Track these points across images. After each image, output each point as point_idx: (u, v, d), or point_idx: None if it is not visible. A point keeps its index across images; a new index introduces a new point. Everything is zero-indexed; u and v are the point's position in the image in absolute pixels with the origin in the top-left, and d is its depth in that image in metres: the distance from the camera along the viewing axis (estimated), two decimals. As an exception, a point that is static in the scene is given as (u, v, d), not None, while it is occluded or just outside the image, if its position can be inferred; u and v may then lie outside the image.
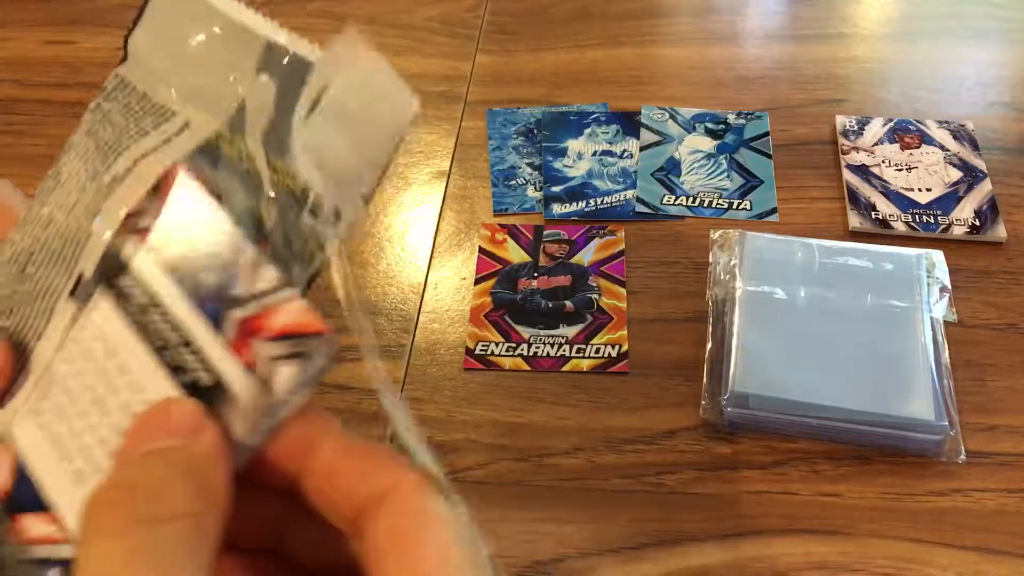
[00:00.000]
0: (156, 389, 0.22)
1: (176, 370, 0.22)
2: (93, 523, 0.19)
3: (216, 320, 0.22)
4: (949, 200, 0.62)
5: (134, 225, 0.24)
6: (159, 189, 0.24)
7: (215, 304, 0.22)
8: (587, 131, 0.69)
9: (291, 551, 0.24)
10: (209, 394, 0.22)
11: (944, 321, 0.53)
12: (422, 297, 0.59)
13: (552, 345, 0.55)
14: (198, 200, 0.23)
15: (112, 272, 0.24)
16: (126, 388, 0.23)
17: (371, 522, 0.20)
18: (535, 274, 0.59)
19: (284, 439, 0.22)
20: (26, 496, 0.23)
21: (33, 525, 0.22)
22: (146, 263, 0.23)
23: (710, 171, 0.66)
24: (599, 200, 0.64)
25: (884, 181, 0.63)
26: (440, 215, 0.64)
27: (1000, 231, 0.60)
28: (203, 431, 0.21)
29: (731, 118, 0.69)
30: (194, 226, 0.23)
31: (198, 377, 0.22)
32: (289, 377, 0.21)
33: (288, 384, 0.21)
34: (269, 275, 0.22)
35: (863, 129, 0.67)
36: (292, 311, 0.21)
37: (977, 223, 0.60)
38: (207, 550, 0.19)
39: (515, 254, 0.61)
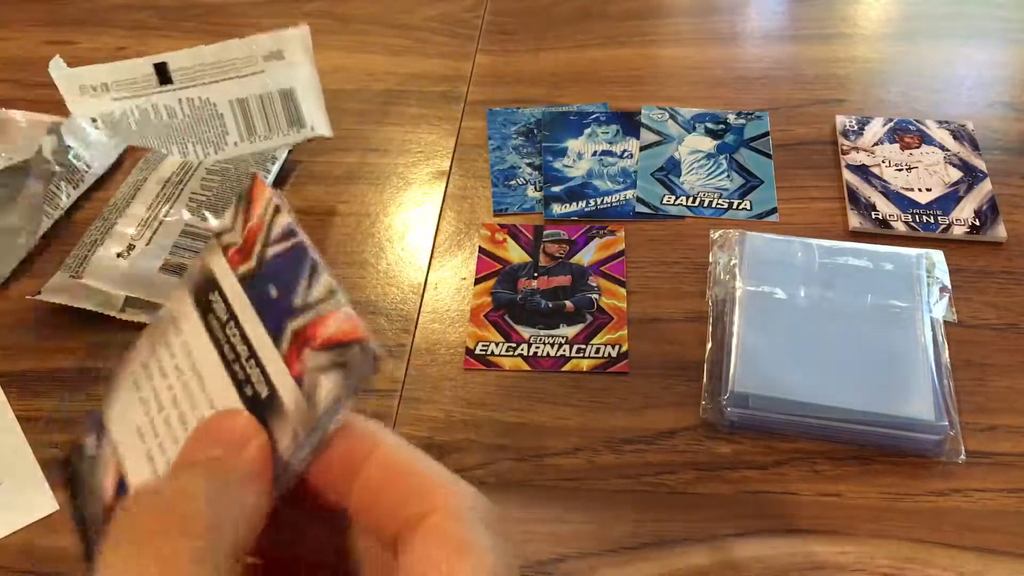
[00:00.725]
0: (224, 403, 0.22)
1: (242, 383, 0.22)
2: (115, 529, 0.19)
3: (277, 332, 0.22)
4: (949, 200, 0.62)
5: (224, 242, 0.24)
6: (245, 203, 0.24)
7: (277, 315, 0.22)
8: (587, 131, 0.69)
9: (351, 569, 0.23)
10: (265, 407, 0.21)
11: (944, 321, 0.53)
12: (422, 297, 0.59)
13: (552, 345, 0.55)
14: (276, 212, 0.23)
15: (204, 288, 0.24)
16: (204, 403, 0.23)
17: (406, 547, 0.20)
18: (535, 274, 0.59)
19: (331, 457, 0.21)
20: None
21: None
22: (229, 279, 0.23)
23: (710, 171, 0.66)
24: (599, 200, 0.64)
25: (884, 181, 0.63)
26: (440, 215, 0.64)
27: (1000, 231, 0.60)
28: (246, 445, 0.21)
29: (731, 118, 0.69)
30: (270, 239, 0.23)
31: (258, 390, 0.22)
32: (330, 388, 0.20)
33: (329, 396, 0.20)
34: (323, 282, 0.21)
35: (863, 129, 0.67)
36: (338, 319, 0.21)
37: (977, 223, 0.60)
38: (222, 566, 0.19)
39: (515, 254, 0.61)
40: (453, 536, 0.20)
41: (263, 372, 0.22)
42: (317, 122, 0.64)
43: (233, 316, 0.23)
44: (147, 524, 0.19)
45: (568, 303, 0.57)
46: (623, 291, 0.58)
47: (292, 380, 0.21)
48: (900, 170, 0.64)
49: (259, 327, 0.22)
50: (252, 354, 0.22)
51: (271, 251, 0.23)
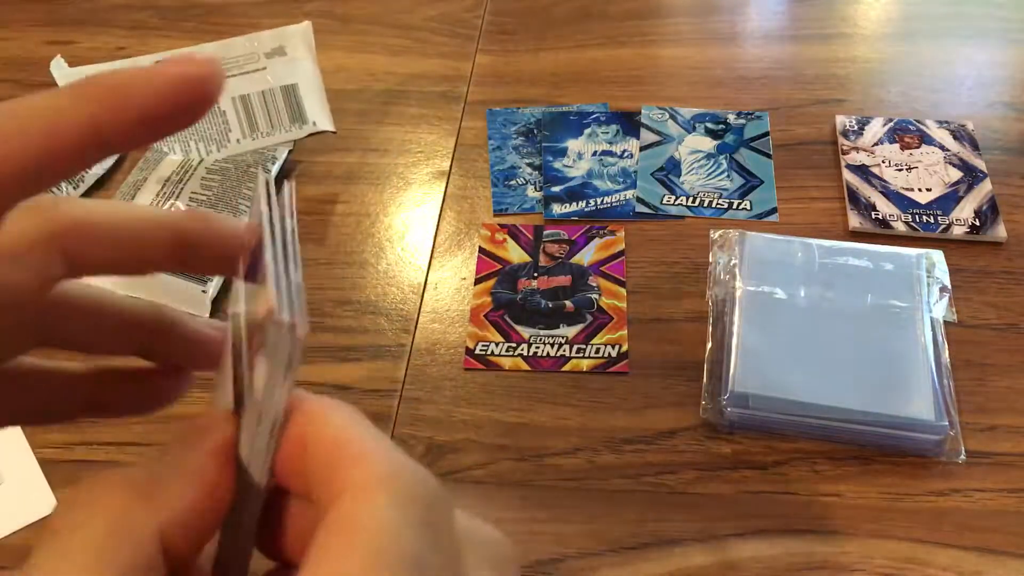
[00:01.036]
0: (227, 404, 0.22)
1: (236, 380, 0.22)
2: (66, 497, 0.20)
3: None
4: (949, 200, 0.62)
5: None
6: (253, 204, 0.24)
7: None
8: (587, 131, 0.69)
9: None
10: (239, 402, 0.21)
11: (944, 321, 0.53)
12: (422, 297, 0.58)
13: (552, 345, 0.55)
14: (262, 214, 0.23)
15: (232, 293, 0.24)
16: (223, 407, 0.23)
17: (319, 528, 0.18)
18: (535, 274, 0.59)
19: (289, 442, 0.21)
20: None
21: None
22: (240, 287, 0.23)
23: (710, 171, 0.66)
24: (599, 200, 0.64)
25: (884, 181, 0.63)
26: (440, 215, 0.64)
27: (1000, 231, 0.60)
28: (200, 438, 0.21)
29: (731, 118, 0.69)
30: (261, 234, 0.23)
31: (240, 385, 0.22)
32: (260, 370, 0.20)
33: (261, 378, 0.20)
34: (265, 262, 0.21)
35: (863, 129, 0.67)
36: (265, 297, 0.20)
37: (977, 223, 0.60)
38: (135, 548, 0.19)
39: (515, 254, 0.61)
40: (349, 516, 0.18)
41: (242, 366, 0.22)
42: (319, 117, 0.64)
43: (239, 315, 0.23)
44: (64, 508, 0.19)
45: (568, 303, 0.57)
46: (623, 291, 0.58)
47: (250, 369, 0.21)
48: (900, 170, 0.64)
49: (244, 323, 0.22)
50: (241, 351, 0.22)
51: (254, 243, 0.23)
